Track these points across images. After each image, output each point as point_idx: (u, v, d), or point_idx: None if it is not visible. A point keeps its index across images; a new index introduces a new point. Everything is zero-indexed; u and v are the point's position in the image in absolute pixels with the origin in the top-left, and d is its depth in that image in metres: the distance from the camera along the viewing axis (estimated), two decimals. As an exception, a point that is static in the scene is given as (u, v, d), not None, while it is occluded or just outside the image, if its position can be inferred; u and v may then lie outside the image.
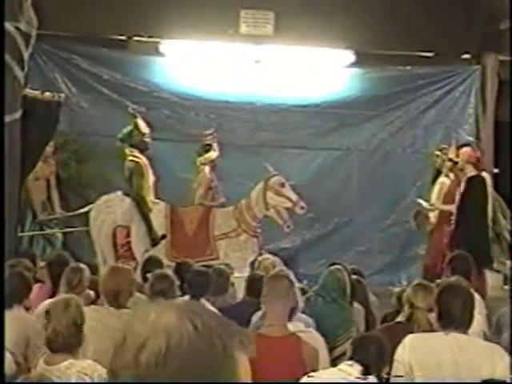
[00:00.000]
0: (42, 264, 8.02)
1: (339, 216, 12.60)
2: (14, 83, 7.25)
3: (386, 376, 4.15)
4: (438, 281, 5.68)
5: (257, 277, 6.75)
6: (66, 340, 4.14)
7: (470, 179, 9.42)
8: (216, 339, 1.27)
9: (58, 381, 4.01)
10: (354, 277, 7.23)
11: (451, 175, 10.25)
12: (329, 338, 5.66)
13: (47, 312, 4.24)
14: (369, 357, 4.12)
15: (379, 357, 4.15)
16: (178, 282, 5.84)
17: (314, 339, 4.95)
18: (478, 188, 9.37)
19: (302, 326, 5.01)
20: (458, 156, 9.90)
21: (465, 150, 9.81)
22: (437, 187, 10.40)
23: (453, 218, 9.60)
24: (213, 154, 10.38)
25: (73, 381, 4.07)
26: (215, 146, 10.45)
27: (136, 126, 10.02)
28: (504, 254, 9.83)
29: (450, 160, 10.08)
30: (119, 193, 9.94)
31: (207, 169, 10.29)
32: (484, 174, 9.50)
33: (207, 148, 10.40)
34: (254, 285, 6.54)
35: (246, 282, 6.90)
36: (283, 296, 4.58)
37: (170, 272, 5.83)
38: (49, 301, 5.94)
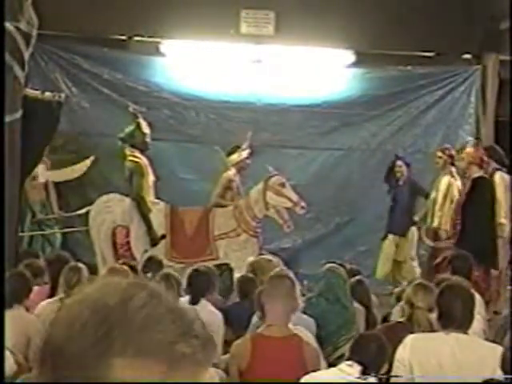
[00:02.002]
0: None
1: (340, 216, 12.60)
2: (15, 83, 7.25)
3: (386, 376, 4.15)
4: (439, 277, 5.66)
5: (247, 278, 6.77)
6: None
7: (475, 180, 9.44)
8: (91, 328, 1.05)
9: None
10: (356, 277, 7.25)
11: (456, 175, 10.27)
12: (332, 338, 5.67)
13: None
14: (368, 356, 4.12)
15: (379, 356, 4.15)
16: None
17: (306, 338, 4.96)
18: (483, 189, 9.39)
19: (290, 325, 5.02)
20: (462, 156, 9.92)
21: (467, 150, 9.85)
22: (443, 187, 10.41)
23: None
24: (237, 157, 10.28)
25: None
26: (245, 147, 10.34)
27: (138, 126, 10.02)
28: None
29: (452, 163, 10.11)
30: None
31: (233, 170, 10.23)
32: (502, 174, 9.47)
33: (233, 150, 10.34)
34: (245, 286, 6.55)
35: (237, 284, 6.90)
36: (284, 296, 4.58)
37: (174, 272, 5.84)
38: (57, 298, 5.96)
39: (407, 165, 11.01)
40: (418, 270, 10.72)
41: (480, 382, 3.85)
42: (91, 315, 1.07)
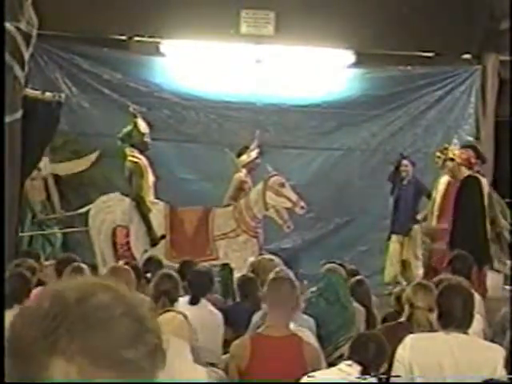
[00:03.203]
0: (46, 263, 8.06)
1: (340, 216, 12.59)
2: (15, 83, 7.25)
3: (385, 376, 4.15)
4: (438, 277, 5.66)
5: (248, 278, 6.77)
6: None
7: (464, 179, 9.54)
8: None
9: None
10: (357, 277, 7.26)
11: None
12: (332, 338, 5.67)
13: None
14: (367, 356, 4.12)
15: (378, 355, 4.15)
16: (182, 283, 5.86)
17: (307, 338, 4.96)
18: (472, 188, 9.47)
19: (293, 326, 5.03)
20: (453, 157, 9.97)
21: (457, 152, 9.90)
22: (441, 187, 10.44)
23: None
24: (246, 157, 10.26)
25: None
26: (253, 147, 10.32)
27: (135, 126, 10.02)
28: (504, 253, 9.85)
29: (452, 160, 10.13)
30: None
31: (244, 171, 10.20)
32: (478, 175, 9.61)
33: (242, 151, 10.32)
34: (245, 286, 6.55)
35: (237, 284, 6.90)
36: (285, 298, 4.59)
37: (173, 272, 5.84)
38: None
39: (413, 164, 11.04)
40: (421, 270, 10.73)
41: (480, 382, 3.86)
42: (48, 308, 1.07)
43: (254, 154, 10.28)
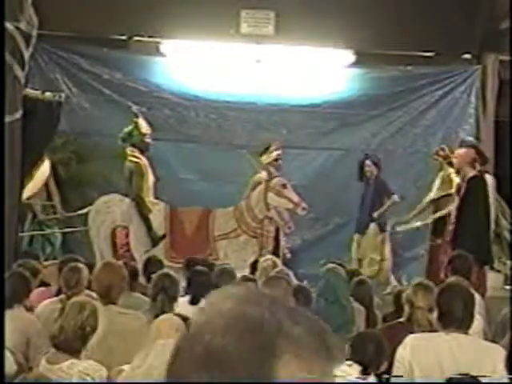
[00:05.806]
0: (46, 263, 8.06)
1: (339, 216, 12.58)
2: (15, 83, 7.25)
3: (385, 376, 4.15)
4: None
5: (247, 279, 6.78)
6: (70, 341, 4.16)
7: (470, 179, 9.49)
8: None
9: (58, 380, 4.02)
10: (359, 277, 7.28)
11: (453, 175, 10.28)
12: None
13: (62, 309, 4.31)
14: (367, 355, 4.12)
15: (377, 355, 4.15)
16: (182, 283, 5.87)
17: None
18: (478, 188, 9.44)
19: None
20: (455, 157, 9.95)
21: (460, 151, 9.86)
22: (438, 181, 10.44)
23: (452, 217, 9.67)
24: (266, 158, 10.21)
25: (74, 381, 4.08)
26: (273, 148, 10.25)
27: (136, 126, 10.02)
28: (504, 253, 9.86)
29: (450, 163, 10.13)
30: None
31: (263, 173, 10.14)
32: (486, 176, 9.58)
33: (263, 152, 10.28)
34: None
35: None
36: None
37: (172, 272, 5.85)
38: (57, 298, 5.96)
39: (375, 164, 10.97)
40: (382, 267, 10.71)
41: (444, 381, 3.87)
42: (259, 325, 1.18)
43: (274, 154, 10.23)
